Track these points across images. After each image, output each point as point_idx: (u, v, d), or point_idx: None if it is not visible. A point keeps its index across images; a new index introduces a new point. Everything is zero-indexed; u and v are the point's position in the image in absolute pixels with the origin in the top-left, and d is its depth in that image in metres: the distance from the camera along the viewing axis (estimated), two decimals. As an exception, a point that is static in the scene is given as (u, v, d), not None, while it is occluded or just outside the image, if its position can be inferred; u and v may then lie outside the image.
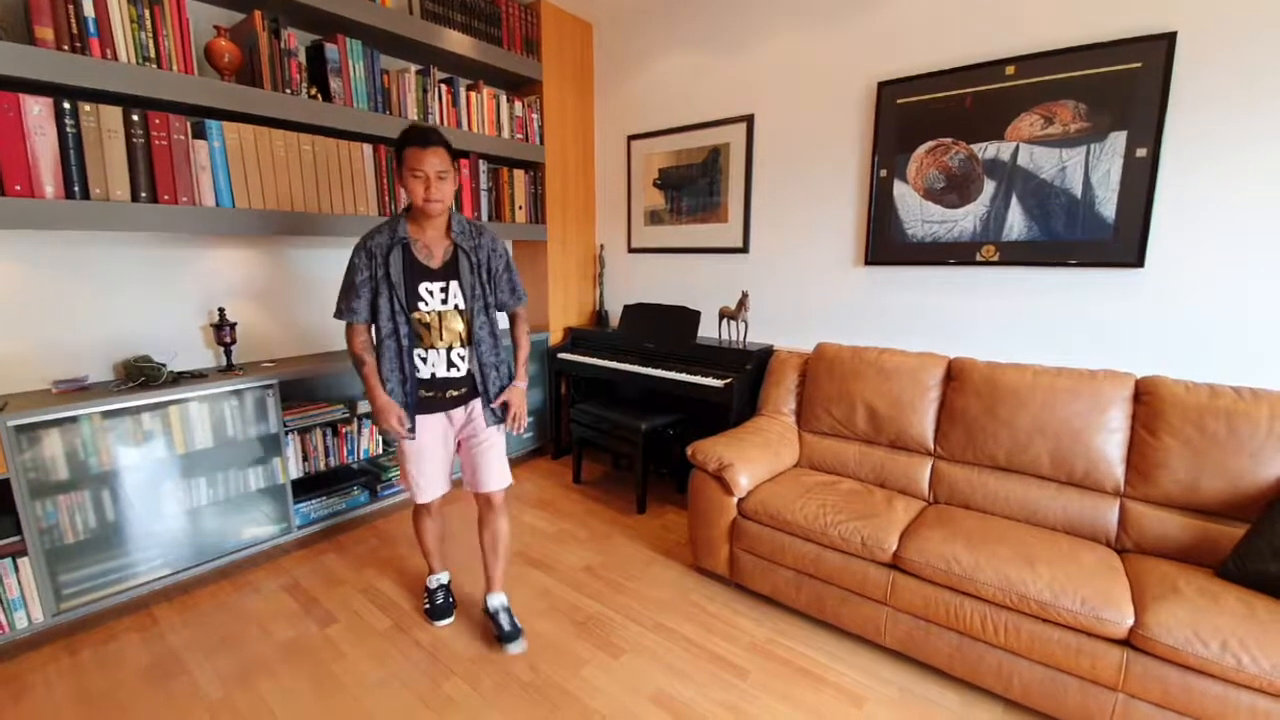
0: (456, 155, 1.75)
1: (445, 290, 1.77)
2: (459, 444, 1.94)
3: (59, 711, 1.64)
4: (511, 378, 1.93)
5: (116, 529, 2.02)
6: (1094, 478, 1.92)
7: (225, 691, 1.72)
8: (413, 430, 1.81)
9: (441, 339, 1.78)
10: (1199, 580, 1.57)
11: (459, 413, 1.88)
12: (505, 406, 1.89)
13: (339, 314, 1.79)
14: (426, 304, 1.75)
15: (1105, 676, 1.48)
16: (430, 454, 1.87)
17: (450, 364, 1.81)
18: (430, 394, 1.82)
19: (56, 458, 1.86)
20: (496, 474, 1.91)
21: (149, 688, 1.73)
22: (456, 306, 1.78)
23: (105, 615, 2.04)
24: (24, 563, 1.81)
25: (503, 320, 1.99)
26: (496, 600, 1.97)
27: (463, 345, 1.82)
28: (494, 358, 1.87)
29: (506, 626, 1.90)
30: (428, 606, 2.06)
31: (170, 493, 2.12)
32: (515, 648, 1.87)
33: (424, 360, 1.79)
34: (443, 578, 2.11)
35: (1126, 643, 1.47)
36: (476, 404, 1.88)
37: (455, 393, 1.84)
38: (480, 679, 1.77)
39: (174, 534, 2.14)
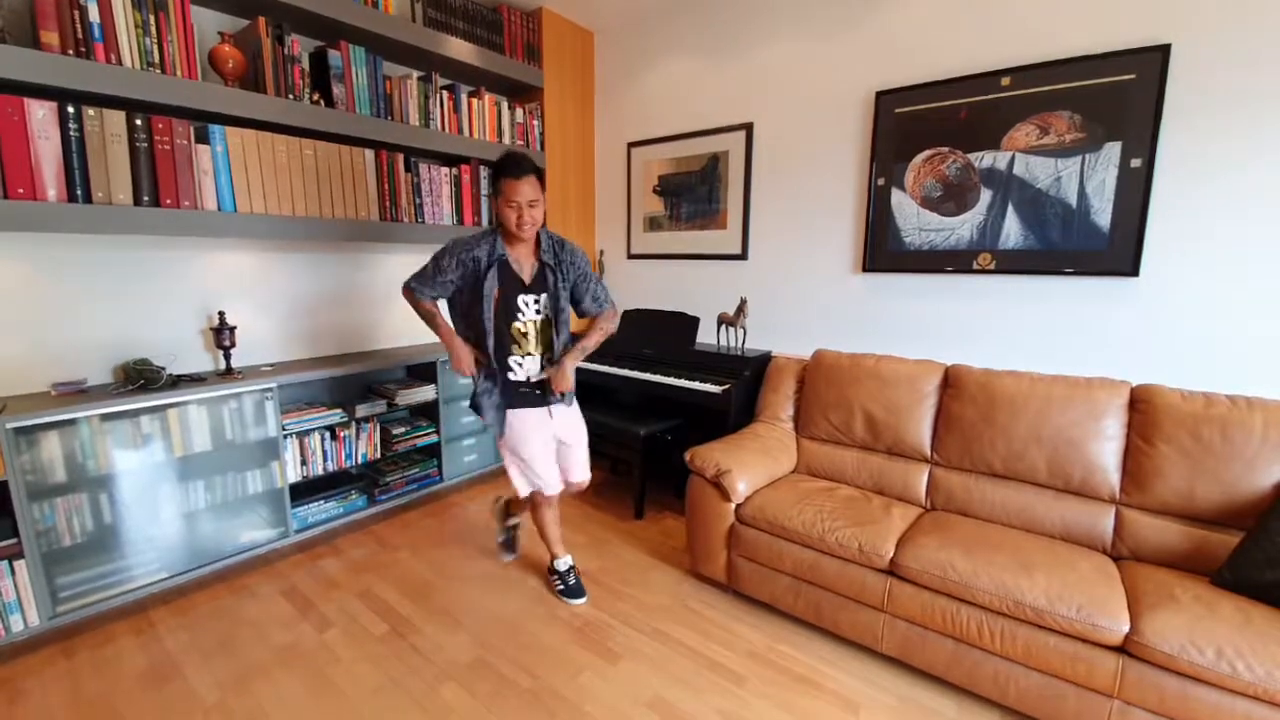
0: (543, 176, 1.89)
1: (538, 302, 1.97)
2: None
3: (54, 715, 1.63)
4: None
5: (114, 532, 2.01)
6: (1090, 485, 1.93)
7: (221, 696, 1.71)
8: (499, 407, 2.00)
9: (536, 346, 2.00)
10: (1195, 588, 1.58)
11: (559, 408, 2.07)
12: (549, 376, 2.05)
13: (412, 290, 1.99)
14: (523, 314, 1.95)
15: (1101, 683, 1.49)
16: (540, 445, 2.02)
17: (542, 367, 2.02)
18: (528, 389, 2.01)
19: (55, 460, 1.86)
20: (585, 466, 2.19)
21: (145, 692, 1.72)
22: (546, 317, 1.99)
23: (102, 619, 2.04)
24: (20, 565, 1.80)
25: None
26: (565, 562, 2.26)
27: (549, 350, 2.03)
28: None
29: (574, 580, 2.23)
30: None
31: (168, 496, 2.12)
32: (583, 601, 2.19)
33: (520, 365, 1.99)
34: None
35: (1122, 650, 1.47)
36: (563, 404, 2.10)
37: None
38: (477, 685, 1.77)
39: (171, 537, 2.14)
